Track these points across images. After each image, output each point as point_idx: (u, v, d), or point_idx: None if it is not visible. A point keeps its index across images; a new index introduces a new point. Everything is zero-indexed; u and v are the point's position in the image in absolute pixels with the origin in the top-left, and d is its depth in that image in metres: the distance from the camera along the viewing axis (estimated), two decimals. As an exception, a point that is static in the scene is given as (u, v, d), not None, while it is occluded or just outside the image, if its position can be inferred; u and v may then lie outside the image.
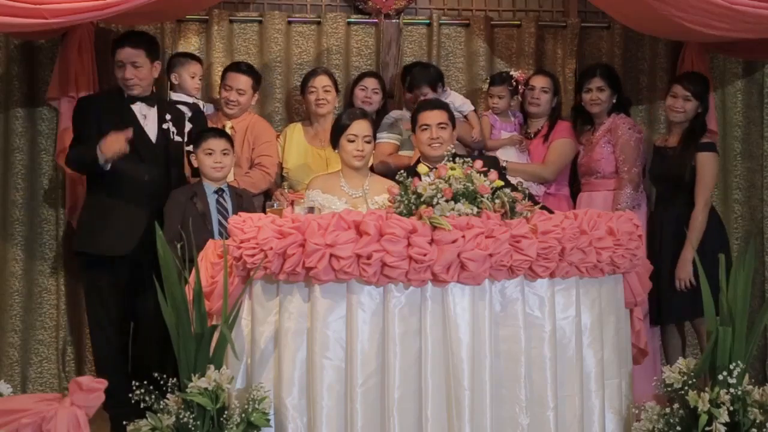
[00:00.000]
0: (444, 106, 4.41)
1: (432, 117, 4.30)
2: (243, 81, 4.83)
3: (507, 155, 4.85)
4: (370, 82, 5.01)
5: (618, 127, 4.78)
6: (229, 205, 4.32)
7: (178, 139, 4.52)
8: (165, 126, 4.48)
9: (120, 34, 4.70)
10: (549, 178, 4.84)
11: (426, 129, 4.28)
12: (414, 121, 4.39)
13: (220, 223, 4.27)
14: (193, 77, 4.86)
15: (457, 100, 4.95)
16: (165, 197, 4.29)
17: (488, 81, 5.08)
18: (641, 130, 4.93)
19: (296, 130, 4.92)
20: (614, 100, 4.87)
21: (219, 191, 4.34)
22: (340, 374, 3.29)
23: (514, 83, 4.99)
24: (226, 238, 3.55)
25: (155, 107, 4.50)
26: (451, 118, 4.37)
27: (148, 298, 4.18)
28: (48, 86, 4.95)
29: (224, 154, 4.30)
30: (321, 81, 4.84)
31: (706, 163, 4.59)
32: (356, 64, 5.32)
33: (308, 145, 4.85)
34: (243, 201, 4.35)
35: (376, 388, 3.28)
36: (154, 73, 4.52)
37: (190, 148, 4.47)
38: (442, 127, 4.28)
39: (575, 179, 5.03)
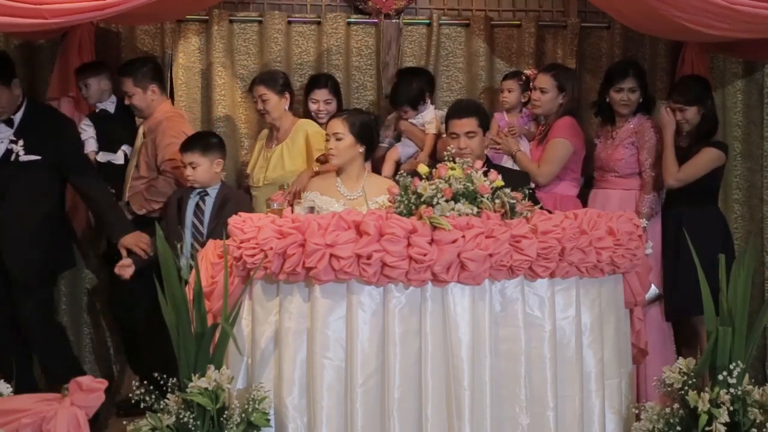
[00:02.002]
0: (474, 112, 4.34)
1: (460, 126, 4.27)
2: (125, 83, 4.77)
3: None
4: (321, 94, 4.86)
5: (646, 131, 4.71)
6: (208, 209, 4.35)
7: (27, 158, 4.34)
8: (10, 147, 4.36)
9: None
10: (541, 182, 4.67)
11: (455, 138, 4.27)
12: (446, 124, 4.38)
13: (193, 225, 4.33)
14: (86, 87, 4.84)
15: (428, 116, 4.84)
16: (19, 208, 4.32)
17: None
18: None
19: (263, 133, 4.92)
20: (640, 99, 4.79)
21: (201, 193, 4.38)
22: (340, 374, 3.29)
23: (524, 78, 4.94)
24: (202, 242, 3.71)
25: (12, 127, 4.38)
26: (482, 123, 4.31)
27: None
28: (48, 86, 4.96)
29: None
30: (257, 91, 4.74)
31: (704, 153, 4.63)
32: (356, 64, 5.32)
33: (263, 147, 4.83)
34: (229, 204, 4.34)
35: (376, 388, 3.28)
36: (15, 91, 4.39)
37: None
38: (470, 136, 4.27)
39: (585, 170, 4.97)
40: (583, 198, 4.89)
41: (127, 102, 4.79)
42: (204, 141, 4.43)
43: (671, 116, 4.68)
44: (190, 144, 4.40)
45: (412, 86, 4.87)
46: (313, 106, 4.86)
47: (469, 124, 4.27)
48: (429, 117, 4.83)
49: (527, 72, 4.98)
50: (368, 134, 4.29)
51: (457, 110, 4.37)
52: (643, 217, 4.55)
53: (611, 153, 4.76)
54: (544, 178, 4.68)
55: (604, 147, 4.81)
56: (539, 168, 4.68)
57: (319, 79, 4.94)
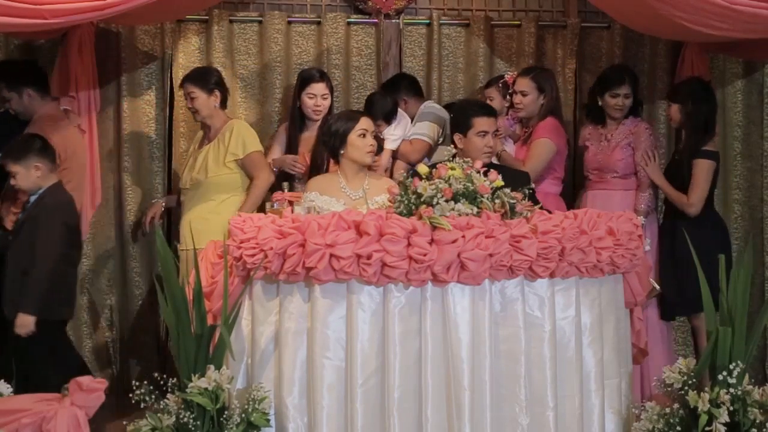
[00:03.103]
0: (495, 113, 4.42)
1: (490, 124, 4.28)
2: (1, 87, 4.69)
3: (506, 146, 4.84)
4: (319, 88, 4.67)
5: (641, 132, 4.78)
6: (22, 215, 4.28)
7: None
8: None
9: None
10: None
11: (484, 135, 4.25)
12: (464, 123, 4.30)
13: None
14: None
15: (388, 132, 4.77)
16: None
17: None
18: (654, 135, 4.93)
19: (199, 134, 4.79)
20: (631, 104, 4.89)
21: (25, 201, 4.30)
22: (340, 374, 3.29)
23: (501, 84, 4.95)
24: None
25: None
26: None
27: None
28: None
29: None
30: (186, 89, 4.59)
31: (698, 168, 4.63)
32: (356, 64, 5.32)
33: (194, 147, 4.73)
34: (37, 208, 4.21)
35: (376, 388, 3.28)
36: None
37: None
38: (496, 135, 4.32)
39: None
40: (573, 197, 4.90)
41: (6, 106, 4.72)
42: (18, 148, 4.25)
43: (650, 161, 4.73)
44: (6, 152, 4.26)
45: (386, 101, 4.85)
46: (309, 102, 4.67)
47: (495, 123, 4.33)
48: (388, 133, 4.77)
49: (506, 77, 4.97)
50: None
51: (486, 108, 4.39)
52: (641, 215, 4.62)
53: (610, 155, 4.80)
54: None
55: (600, 149, 4.85)
56: (523, 167, 4.66)
57: (314, 74, 4.75)
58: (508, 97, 4.95)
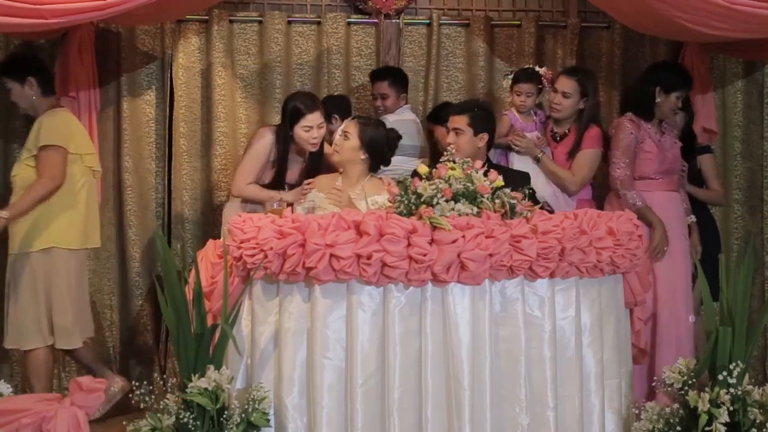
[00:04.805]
0: (468, 110, 4.29)
1: (451, 121, 4.29)
2: None
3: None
4: (314, 119, 4.29)
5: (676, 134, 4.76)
6: None
7: None
8: None
9: None
10: (573, 191, 4.54)
11: (449, 132, 4.31)
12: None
13: None
14: None
15: None
16: None
17: (511, 77, 4.77)
18: None
19: None
20: None
21: None
22: (340, 374, 3.29)
23: (543, 80, 4.70)
24: None
25: None
26: (474, 123, 4.23)
27: None
28: (48, 86, 4.95)
29: None
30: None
31: (710, 162, 4.91)
32: (356, 64, 5.33)
33: None
34: None
35: (376, 388, 3.28)
36: None
37: None
38: (456, 133, 4.24)
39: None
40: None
41: None
42: None
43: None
44: None
45: (339, 100, 4.97)
46: (305, 135, 4.31)
47: (458, 120, 4.25)
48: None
49: (541, 71, 4.71)
50: (376, 146, 4.26)
51: (454, 106, 4.44)
52: (687, 215, 4.64)
53: (676, 155, 4.59)
54: (579, 186, 4.56)
55: (664, 149, 4.54)
56: (574, 177, 4.54)
57: (307, 104, 4.32)
58: (542, 94, 4.78)
